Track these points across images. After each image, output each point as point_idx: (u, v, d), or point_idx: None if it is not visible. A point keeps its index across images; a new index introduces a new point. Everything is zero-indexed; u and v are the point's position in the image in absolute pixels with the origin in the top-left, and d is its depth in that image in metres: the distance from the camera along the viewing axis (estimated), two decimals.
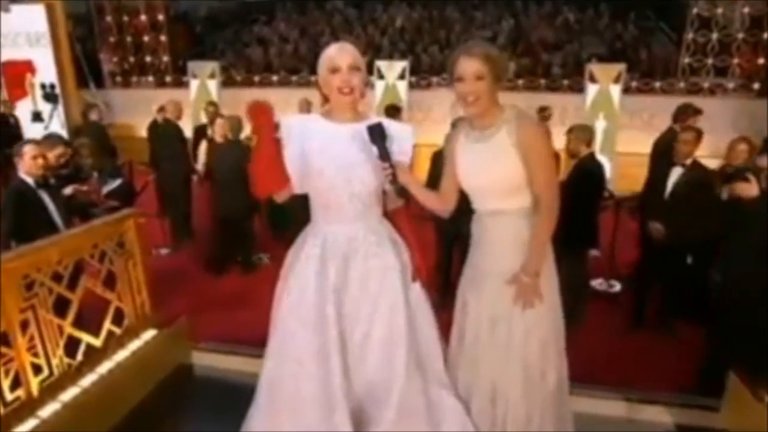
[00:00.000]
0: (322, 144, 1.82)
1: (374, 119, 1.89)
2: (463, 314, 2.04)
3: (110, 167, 5.21)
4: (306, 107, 6.61)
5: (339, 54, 1.77)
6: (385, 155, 1.78)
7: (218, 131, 5.34)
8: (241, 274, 5.23)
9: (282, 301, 1.96)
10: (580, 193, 3.60)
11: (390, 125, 1.89)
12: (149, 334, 3.05)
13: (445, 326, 2.10)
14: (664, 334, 4.00)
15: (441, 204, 2.00)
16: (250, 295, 4.67)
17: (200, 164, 5.42)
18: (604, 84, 8.32)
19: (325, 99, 1.89)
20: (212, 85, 9.84)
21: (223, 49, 12.64)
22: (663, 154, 4.73)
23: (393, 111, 6.39)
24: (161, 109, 6.49)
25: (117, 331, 2.88)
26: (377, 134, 1.78)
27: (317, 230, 1.94)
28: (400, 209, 2.06)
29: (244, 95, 10.29)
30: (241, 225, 5.27)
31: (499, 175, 1.83)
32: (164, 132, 6.00)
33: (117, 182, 4.32)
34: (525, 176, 1.80)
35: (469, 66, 1.75)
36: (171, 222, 6.07)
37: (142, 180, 6.27)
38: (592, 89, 8.42)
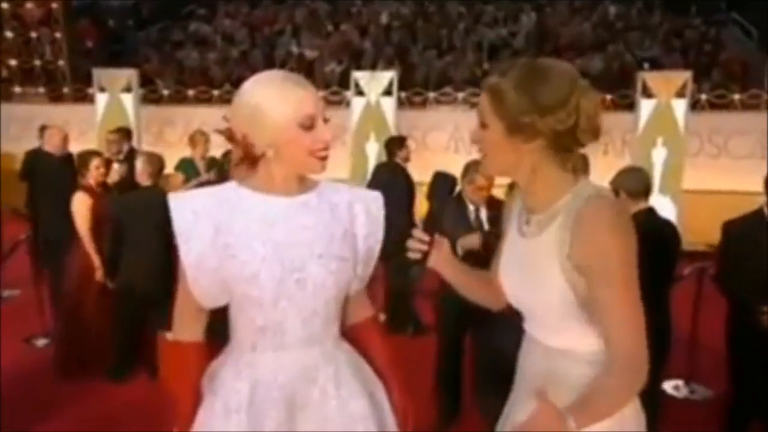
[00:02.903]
0: (255, 230, 1.66)
1: (328, 185, 1.79)
2: None
3: None
4: None
5: (308, 96, 1.62)
6: (435, 228, 1.97)
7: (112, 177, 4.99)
8: (153, 377, 4.80)
9: None
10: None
11: (352, 192, 1.84)
12: None
13: None
14: None
15: (493, 293, 1.83)
16: (166, 412, 4.21)
17: (80, 229, 4.91)
18: (663, 98, 8.25)
19: (249, 160, 1.65)
20: (128, 100, 9.71)
21: (145, 52, 12.64)
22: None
23: (396, 144, 6.29)
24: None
25: None
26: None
27: (243, 363, 1.75)
28: (369, 322, 1.97)
29: (173, 115, 10.29)
30: (153, 304, 4.81)
31: (542, 296, 1.60)
32: (44, 169, 5.61)
33: None
34: (587, 305, 1.55)
35: (478, 102, 1.61)
36: (53, 298, 5.62)
37: (17, 234, 5.91)
38: (646, 105, 8.36)
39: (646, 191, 3.70)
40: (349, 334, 1.91)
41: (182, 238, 1.63)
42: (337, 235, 1.70)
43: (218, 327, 1.85)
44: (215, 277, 1.65)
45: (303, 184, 1.73)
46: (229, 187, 1.70)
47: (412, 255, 1.80)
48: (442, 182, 5.41)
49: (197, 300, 1.70)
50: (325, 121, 1.64)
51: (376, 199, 1.85)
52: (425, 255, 1.79)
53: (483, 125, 1.57)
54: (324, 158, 1.66)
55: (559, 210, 1.56)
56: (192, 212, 1.64)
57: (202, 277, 1.65)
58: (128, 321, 4.89)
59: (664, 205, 7.08)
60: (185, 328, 1.78)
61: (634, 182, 3.69)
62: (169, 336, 1.80)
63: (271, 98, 1.58)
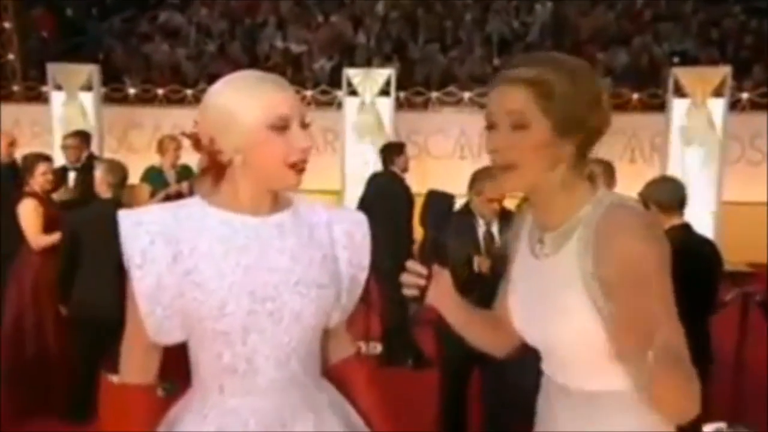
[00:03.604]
0: (222, 253, 1.64)
1: (303, 203, 1.78)
2: None
3: None
4: None
5: (284, 96, 1.63)
6: (433, 257, 1.81)
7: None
8: None
9: None
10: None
11: (329, 211, 1.84)
12: None
13: None
14: None
15: (500, 337, 1.87)
16: None
17: (33, 240, 4.91)
18: (699, 97, 8.25)
19: (216, 169, 1.66)
20: (88, 99, 9.69)
21: (109, 45, 12.59)
22: None
23: (393, 150, 6.26)
24: None
25: None
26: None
27: (209, 406, 1.72)
28: (352, 360, 1.96)
29: (140, 117, 10.39)
30: (115, 332, 4.75)
31: (565, 325, 1.58)
32: None
33: None
34: (616, 332, 1.51)
35: (500, 100, 1.56)
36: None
37: None
38: (678, 106, 8.40)
39: (680, 204, 3.68)
40: (331, 375, 1.90)
41: (135, 261, 1.60)
42: (316, 260, 1.69)
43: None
44: (173, 308, 1.63)
45: (275, 202, 1.72)
46: (193, 203, 1.69)
47: (408, 292, 1.76)
48: (437, 203, 5.36)
49: (150, 335, 1.66)
50: (304, 126, 1.63)
51: (360, 223, 1.84)
52: (423, 290, 1.76)
53: (520, 127, 1.52)
54: (301, 170, 1.64)
55: (578, 222, 1.55)
56: (146, 232, 1.61)
57: (158, 307, 1.62)
58: (87, 351, 4.79)
59: (700, 219, 7.04)
60: (134, 369, 1.74)
61: (666, 194, 3.65)
62: (115, 379, 1.75)
63: (240, 97, 1.59)
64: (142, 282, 1.60)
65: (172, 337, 1.67)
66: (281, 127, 1.59)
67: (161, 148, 6.69)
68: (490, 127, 1.57)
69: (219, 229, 1.65)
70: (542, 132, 1.51)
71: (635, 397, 1.55)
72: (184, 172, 6.53)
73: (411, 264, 1.76)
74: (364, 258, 1.82)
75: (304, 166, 1.64)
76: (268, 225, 1.68)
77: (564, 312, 1.55)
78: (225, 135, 1.59)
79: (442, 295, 1.79)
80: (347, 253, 1.78)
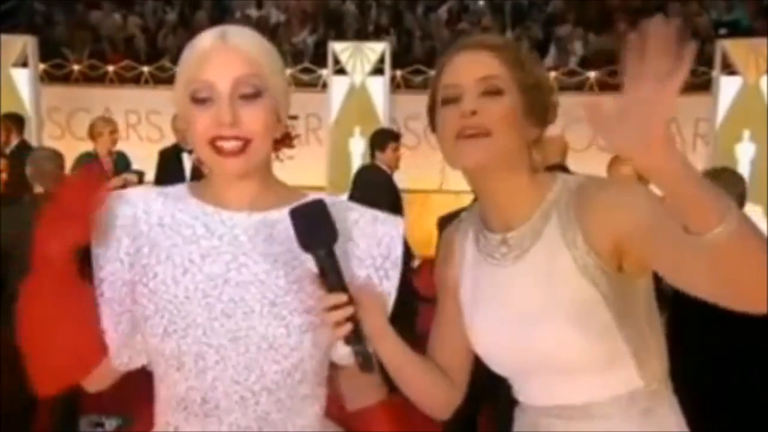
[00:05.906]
0: (185, 255, 1.62)
1: (307, 197, 1.69)
2: None
3: None
4: None
5: (211, 57, 1.57)
6: (333, 278, 1.57)
7: None
8: None
9: None
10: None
11: (351, 210, 1.74)
12: None
13: None
14: None
15: (446, 388, 1.84)
16: None
17: None
18: (751, 75, 8.35)
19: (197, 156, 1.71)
20: (22, 77, 9.74)
21: (48, 12, 12.57)
22: None
23: (381, 140, 6.22)
24: None
25: None
26: (314, 230, 1.58)
27: None
28: (378, 409, 1.84)
29: (87, 98, 10.51)
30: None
31: (559, 323, 1.61)
32: None
33: None
34: (618, 318, 1.59)
35: (468, 68, 1.64)
36: None
37: None
38: (727, 85, 8.50)
39: (739, 200, 3.66)
40: (350, 422, 1.84)
41: (98, 261, 1.61)
42: (312, 276, 1.56)
43: None
44: (129, 321, 1.63)
45: (275, 196, 1.67)
46: (175, 191, 1.70)
47: (339, 330, 1.54)
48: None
49: (111, 358, 1.67)
50: (251, 96, 1.54)
51: (391, 230, 1.73)
52: (356, 326, 1.55)
53: (493, 93, 1.60)
54: (229, 153, 1.55)
55: (550, 206, 1.65)
56: (117, 225, 1.62)
57: (118, 317, 1.63)
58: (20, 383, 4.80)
59: (753, 219, 7.06)
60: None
61: (721, 188, 3.59)
62: None
63: (179, 63, 1.61)
64: (101, 286, 1.60)
65: (126, 360, 1.67)
66: (202, 98, 1.53)
67: (93, 132, 6.99)
68: (453, 100, 1.62)
69: (190, 224, 1.63)
70: (514, 100, 1.61)
71: (636, 400, 1.65)
72: (121, 161, 6.86)
73: (327, 298, 1.55)
74: (389, 280, 1.70)
75: (233, 147, 1.54)
76: (253, 223, 1.63)
77: (558, 303, 1.60)
78: (178, 111, 1.63)
79: (379, 328, 1.64)
80: (364, 270, 1.67)
